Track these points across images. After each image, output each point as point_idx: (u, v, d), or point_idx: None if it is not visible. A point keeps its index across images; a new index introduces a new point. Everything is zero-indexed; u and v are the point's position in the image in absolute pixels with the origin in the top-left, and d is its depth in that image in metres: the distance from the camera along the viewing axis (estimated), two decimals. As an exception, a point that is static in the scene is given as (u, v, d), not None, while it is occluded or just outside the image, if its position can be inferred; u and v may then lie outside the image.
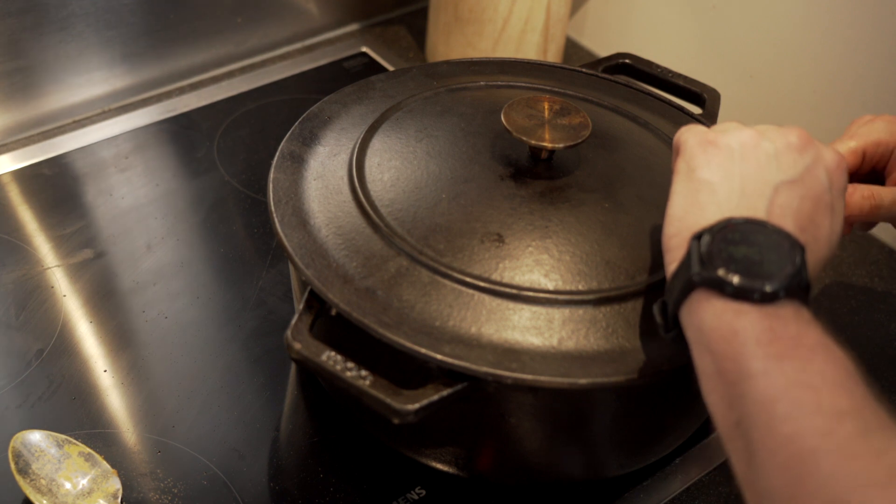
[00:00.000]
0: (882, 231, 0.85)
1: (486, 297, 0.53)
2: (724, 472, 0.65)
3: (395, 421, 0.49)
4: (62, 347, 0.69)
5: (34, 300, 0.72)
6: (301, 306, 0.53)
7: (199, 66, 0.95)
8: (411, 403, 0.49)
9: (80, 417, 0.64)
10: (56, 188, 0.82)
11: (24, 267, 0.74)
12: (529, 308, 0.53)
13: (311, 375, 0.68)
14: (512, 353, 0.51)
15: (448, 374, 0.51)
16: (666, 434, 0.63)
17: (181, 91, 0.94)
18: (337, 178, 0.61)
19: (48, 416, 0.64)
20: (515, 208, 0.57)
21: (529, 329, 0.52)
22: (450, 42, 0.94)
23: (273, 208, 0.59)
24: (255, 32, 0.97)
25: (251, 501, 0.60)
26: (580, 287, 0.54)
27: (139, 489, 0.60)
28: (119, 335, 0.70)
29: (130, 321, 0.71)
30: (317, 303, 0.54)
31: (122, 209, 0.80)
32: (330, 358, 0.51)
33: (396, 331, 0.51)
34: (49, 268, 0.74)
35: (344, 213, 0.58)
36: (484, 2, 0.90)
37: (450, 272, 0.54)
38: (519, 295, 0.53)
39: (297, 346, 0.51)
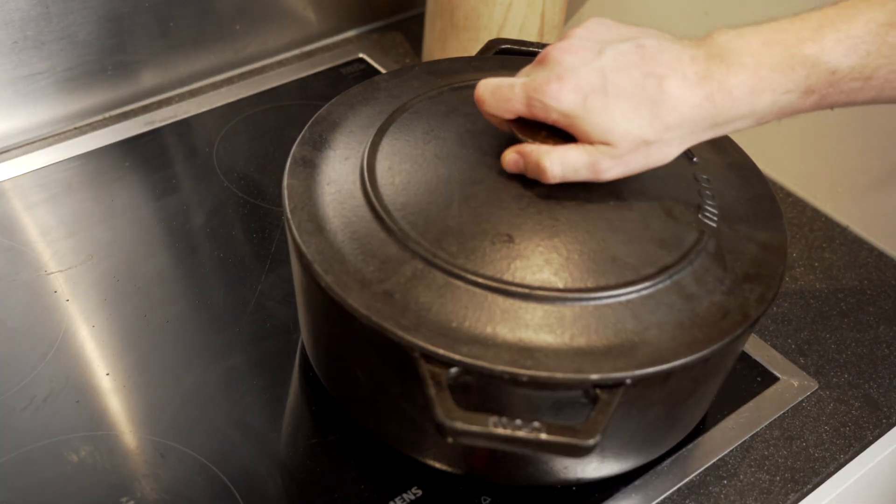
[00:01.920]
0: (872, 234, 0.86)
1: (499, 298, 0.54)
2: (714, 472, 0.66)
3: (581, 456, 0.49)
4: (65, 351, 0.70)
5: (37, 305, 0.73)
6: (430, 388, 0.51)
7: (198, 72, 0.96)
8: (591, 437, 0.49)
9: (83, 420, 0.65)
10: (58, 194, 0.83)
11: (27, 272, 0.75)
12: (541, 307, 0.54)
13: (312, 378, 0.69)
14: (526, 352, 0.52)
15: (601, 387, 0.52)
16: (664, 434, 0.64)
17: (181, 98, 0.95)
18: (349, 183, 0.61)
19: (52, 419, 0.65)
20: (524, 209, 0.58)
21: (542, 327, 0.54)
22: (446, 48, 0.95)
23: (290, 215, 0.59)
24: (254, 39, 0.99)
25: (252, 502, 0.61)
26: (589, 284, 0.55)
27: (141, 490, 0.61)
28: (121, 339, 0.71)
29: (132, 325, 0.72)
30: (438, 373, 0.52)
31: (123, 214, 0.81)
32: (499, 422, 0.49)
33: (416, 333, 0.52)
34: (52, 273, 0.76)
35: (358, 218, 0.59)
36: (479, 9, 0.91)
37: (463, 274, 0.55)
38: (531, 294, 0.54)
39: (459, 425, 0.49)
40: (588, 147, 0.56)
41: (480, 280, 0.55)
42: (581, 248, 0.57)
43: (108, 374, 0.68)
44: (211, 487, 0.62)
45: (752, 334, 0.75)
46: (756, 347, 0.75)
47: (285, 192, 0.61)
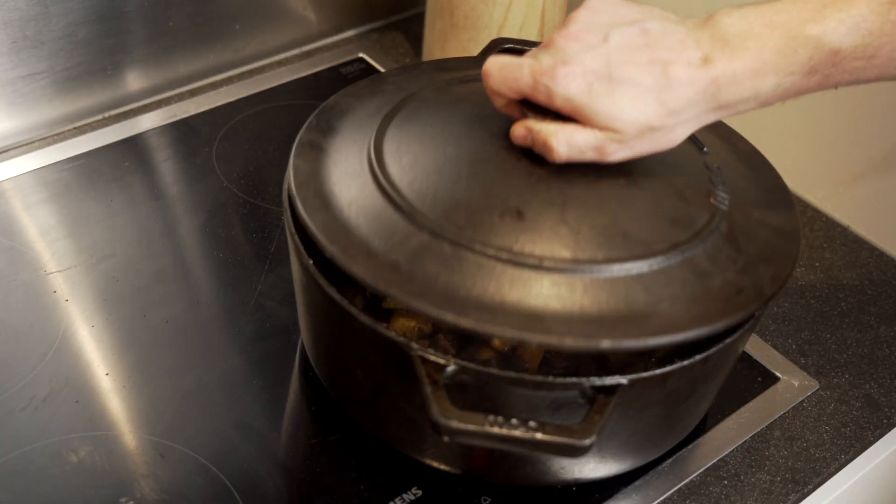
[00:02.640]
0: (872, 234, 0.86)
1: (508, 268, 0.54)
2: (714, 473, 0.66)
3: (577, 456, 0.49)
4: (65, 351, 0.70)
5: (37, 305, 0.73)
6: (427, 386, 0.51)
7: (197, 72, 0.96)
8: (587, 437, 0.49)
9: (82, 420, 0.65)
10: (57, 194, 0.83)
11: (27, 272, 0.75)
12: (550, 277, 0.54)
13: (312, 378, 0.69)
14: (536, 318, 0.52)
15: (601, 391, 0.52)
16: (664, 435, 0.64)
17: (180, 97, 0.95)
18: (356, 163, 0.61)
19: (51, 420, 0.65)
20: (533, 185, 0.58)
21: (552, 297, 0.53)
22: (445, 48, 0.95)
23: (296, 191, 0.59)
24: (253, 39, 0.99)
25: (252, 502, 0.61)
26: (599, 257, 0.55)
27: (141, 490, 0.61)
28: (120, 339, 0.71)
29: (132, 325, 0.72)
30: (435, 372, 0.52)
31: (122, 215, 0.81)
32: (494, 421, 0.49)
33: (422, 300, 0.52)
34: (51, 273, 0.75)
35: (365, 195, 0.58)
36: (479, 8, 0.91)
37: (471, 244, 0.54)
38: (540, 265, 0.54)
39: (455, 423, 0.49)
40: (595, 130, 0.56)
41: (489, 250, 0.54)
42: (592, 224, 0.56)
43: (107, 374, 0.68)
44: (211, 487, 0.62)
45: (753, 334, 0.75)
46: (756, 347, 0.75)
47: (291, 171, 0.60)
